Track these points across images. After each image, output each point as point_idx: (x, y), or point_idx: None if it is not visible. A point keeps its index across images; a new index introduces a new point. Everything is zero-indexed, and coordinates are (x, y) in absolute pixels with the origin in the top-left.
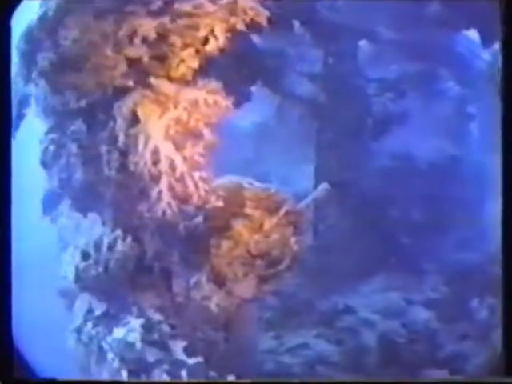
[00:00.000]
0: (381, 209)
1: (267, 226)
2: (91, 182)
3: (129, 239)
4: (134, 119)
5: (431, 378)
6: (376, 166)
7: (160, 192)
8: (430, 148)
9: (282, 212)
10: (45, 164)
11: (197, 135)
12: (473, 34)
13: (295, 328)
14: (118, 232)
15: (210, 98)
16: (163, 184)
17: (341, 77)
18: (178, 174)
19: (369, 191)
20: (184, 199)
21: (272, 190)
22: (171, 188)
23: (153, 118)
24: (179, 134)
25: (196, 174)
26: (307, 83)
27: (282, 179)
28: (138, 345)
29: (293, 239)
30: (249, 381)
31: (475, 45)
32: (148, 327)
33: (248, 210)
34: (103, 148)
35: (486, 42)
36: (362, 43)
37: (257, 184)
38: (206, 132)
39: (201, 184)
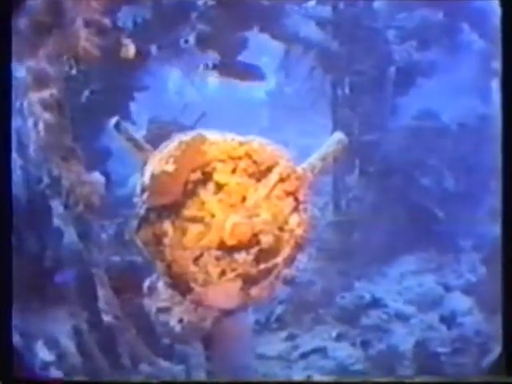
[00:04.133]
0: (410, 177)
1: (251, 199)
2: None
3: None
4: None
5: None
6: (402, 125)
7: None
8: (460, 106)
9: (273, 177)
10: None
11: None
12: None
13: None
14: None
15: None
16: None
17: (355, 22)
18: None
19: (395, 156)
20: None
21: (254, 144)
22: None
23: None
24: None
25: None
26: (315, 28)
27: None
28: None
29: (294, 218)
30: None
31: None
32: None
33: (219, 177)
34: None
35: None
36: None
37: (229, 136)
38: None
39: None
